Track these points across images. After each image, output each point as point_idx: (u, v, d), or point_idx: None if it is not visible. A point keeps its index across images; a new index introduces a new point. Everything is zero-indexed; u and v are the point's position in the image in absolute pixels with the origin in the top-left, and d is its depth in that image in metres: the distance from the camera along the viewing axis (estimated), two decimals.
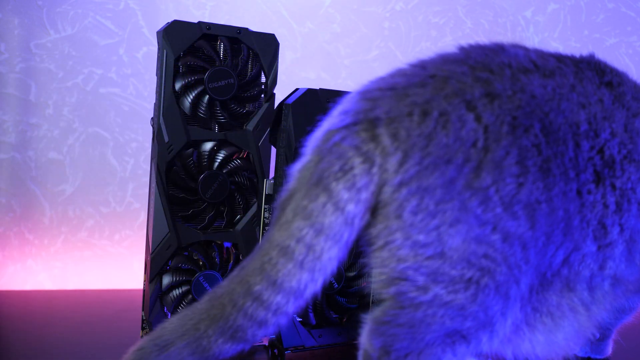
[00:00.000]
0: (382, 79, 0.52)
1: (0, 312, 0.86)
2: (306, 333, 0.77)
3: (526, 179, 0.48)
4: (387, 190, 0.47)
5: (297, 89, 0.76)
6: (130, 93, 1.04)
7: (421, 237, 0.47)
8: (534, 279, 0.50)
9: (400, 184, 0.47)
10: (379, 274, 0.49)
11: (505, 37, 1.25)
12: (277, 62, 0.76)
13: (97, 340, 0.77)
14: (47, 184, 1.01)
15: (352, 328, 0.80)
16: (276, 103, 0.77)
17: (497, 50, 0.54)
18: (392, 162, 0.47)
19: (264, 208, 0.77)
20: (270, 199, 0.77)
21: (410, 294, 0.48)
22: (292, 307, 0.48)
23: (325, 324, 0.79)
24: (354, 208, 0.47)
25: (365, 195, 0.47)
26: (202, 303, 0.51)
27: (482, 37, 1.23)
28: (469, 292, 0.48)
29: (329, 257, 0.48)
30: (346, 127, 0.48)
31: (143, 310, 0.74)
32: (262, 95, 0.77)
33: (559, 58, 0.56)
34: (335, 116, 0.51)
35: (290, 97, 0.75)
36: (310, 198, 0.47)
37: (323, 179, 0.47)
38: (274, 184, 0.77)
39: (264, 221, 0.77)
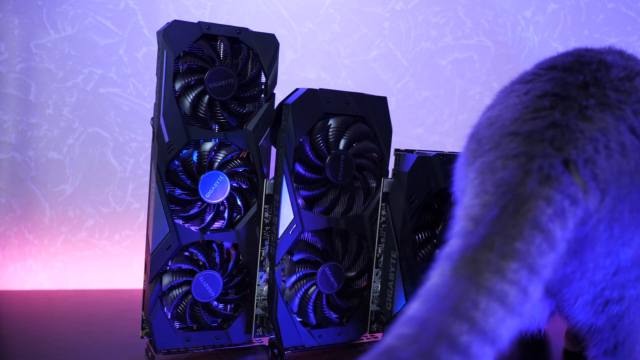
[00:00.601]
0: (525, 121, 0.55)
1: (0, 312, 0.86)
2: (306, 333, 0.77)
3: None
4: (584, 229, 0.51)
5: (297, 89, 0.76)
6: (130, 93, 1.04)
7: (607, 262, 0.54)
8: None
9: (598, 221, 0.51)
10: (584, 298, 0.56)
11: (505, 37, 1.25)
12: (277, 62, 0.76)
13: (97, 340, 0.77)
14: (47, 184, 1.01)
15: (352, 328, 0.80)
16: (276, 103, 0.77)
17: (602, 65, 0.60)
18: (593, 202, 0.50)
19: (264, 208, 0.77)
20: (270, 199, 0.77)
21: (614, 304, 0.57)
22: None
23: (325, 324, 0.79)
24: (564, 246, 0.49)
25: (569, 234, 0.49)
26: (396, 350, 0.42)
27: (482, 37, 1.23)
28: None
29: (537, 298, 0.46)
30: (540, 169, 0.50)
31: (143, 310, 0.74)
32: (262, 95, 0.77)
33: (608, 51, 0.65)
34: (515, 158, 0.51)
35: (290, 97, 0.75)
36: (524, 240, 0.46)
37: (537, 221, 0.47)
38: (274, 184, 0.77)
39: (264, 221, 0.77)
